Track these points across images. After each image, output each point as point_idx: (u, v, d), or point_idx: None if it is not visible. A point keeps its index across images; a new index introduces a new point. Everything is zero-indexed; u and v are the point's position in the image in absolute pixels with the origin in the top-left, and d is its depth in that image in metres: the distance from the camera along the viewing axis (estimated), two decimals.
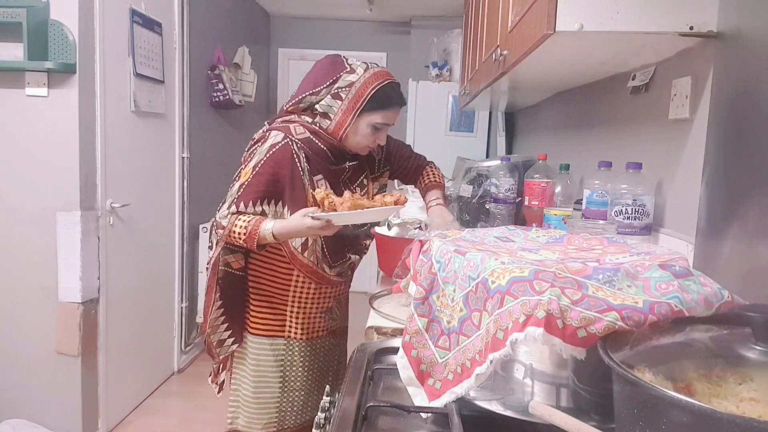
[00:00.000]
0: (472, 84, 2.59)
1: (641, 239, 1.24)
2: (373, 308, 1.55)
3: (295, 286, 1.65)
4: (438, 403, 0.90)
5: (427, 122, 4.07)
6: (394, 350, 1.07)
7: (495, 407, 0.83)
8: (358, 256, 1.74)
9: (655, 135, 1.39)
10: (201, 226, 3.62)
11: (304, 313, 1.67)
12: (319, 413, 1.00)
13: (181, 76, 3.31)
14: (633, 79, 1.47)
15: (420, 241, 1.11)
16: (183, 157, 3.38)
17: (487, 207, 2.26)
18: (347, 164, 1.64)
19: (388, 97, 1.58)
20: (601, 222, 1.32)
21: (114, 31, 2.60)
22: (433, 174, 1.84)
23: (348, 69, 1.58)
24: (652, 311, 0.72)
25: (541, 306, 0.73)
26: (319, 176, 1.59)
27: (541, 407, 0.71)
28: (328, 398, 1.05)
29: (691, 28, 1.05)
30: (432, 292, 0.97)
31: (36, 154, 2.41)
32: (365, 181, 1.74)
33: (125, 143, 2.76)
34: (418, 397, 0.95)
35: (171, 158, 3.30)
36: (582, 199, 1.48)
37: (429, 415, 0.94)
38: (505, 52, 1.56)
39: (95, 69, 2.48)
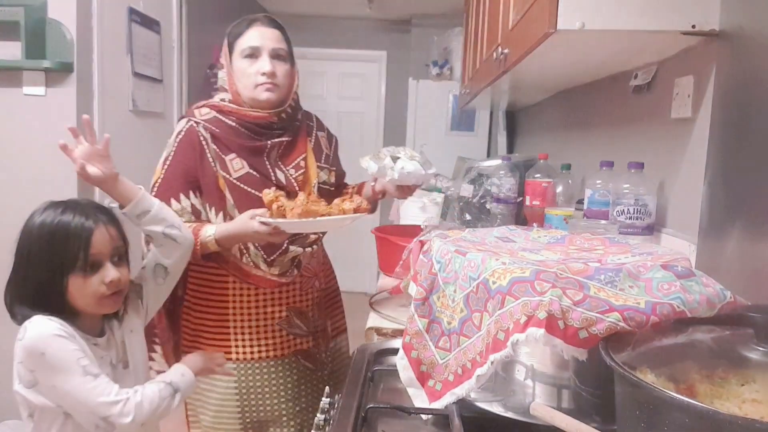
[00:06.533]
0: (473, 83, 2.58)
1: (643, 239, 1.23)
2: (373, 309, 1.54)
3: (234, 293, 1.44)
4: (438, 404, 0.90)
5: (427, 121, 4.06)
6: (394, 351, 1.07)
7: (496, 409, 0.83)
8: (302, 249, 1.48)
9: (657, 134, 1.38)
10: None
11: (249, 326, 1.44)
12: (318, 414, 1.00)
13: (180, 75, 3.30)
14: (635, 78, 1.47)
15: (420, 241, 1.11)
16: None
17: (488, 207, 2.26)
18: (270, 141, 1.45)
19: (242, 20, 1.46)
20: (603, 222, 1.32)
21: (112, 30, 2.59)
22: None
23: None
24: (654, 312, 0.72)
25: (542, 307, 0.72)
26: (232, 155, 1.42)
27: (543, 409, 0.70)
28: (328, 399, 1.04)
29: (694, 26, 1.04)
30: (432, 292, 0.96)
31: (34, 154, 2.40)
32: (302, 163, 1.51)
33: (124, 143, 2.74)
34: (419, 398, 0.94)
35: None
36: (583, 199, 1.47)
37: (429, 416, 0.94)
38: (506, 51, 1.55)
39: (93, 68, 2.46)
